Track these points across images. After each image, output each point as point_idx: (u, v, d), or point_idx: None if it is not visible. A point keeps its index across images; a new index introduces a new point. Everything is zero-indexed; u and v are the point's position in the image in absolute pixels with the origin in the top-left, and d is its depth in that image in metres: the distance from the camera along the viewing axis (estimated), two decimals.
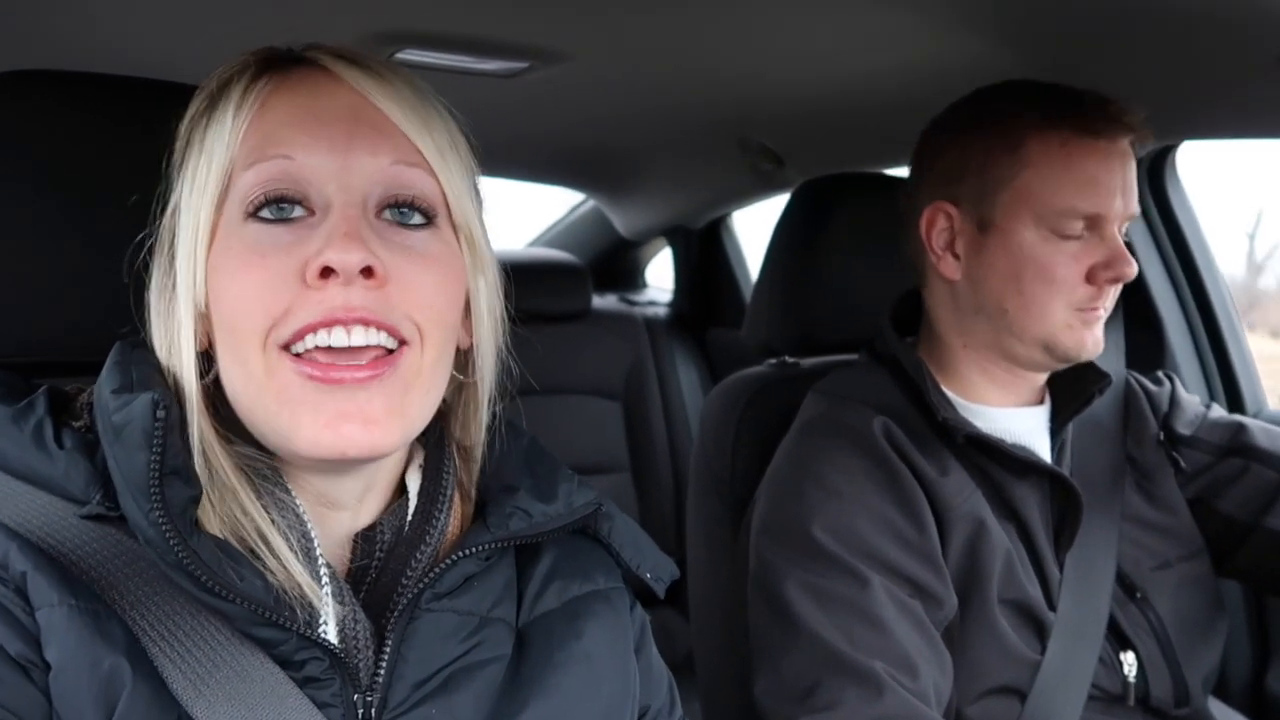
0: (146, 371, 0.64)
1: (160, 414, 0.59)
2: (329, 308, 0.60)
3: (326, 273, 0.60)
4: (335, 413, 0.61)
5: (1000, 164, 1.06)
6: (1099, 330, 1.07)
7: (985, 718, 1.05)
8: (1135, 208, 1.07)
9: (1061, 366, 1.11)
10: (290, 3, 1.20)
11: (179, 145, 0.68)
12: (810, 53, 1.36)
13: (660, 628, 0.84)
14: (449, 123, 0.69)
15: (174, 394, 0.64)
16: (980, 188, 1.07)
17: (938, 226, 1.11)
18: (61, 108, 0.77)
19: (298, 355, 0.61)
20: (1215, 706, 1.19)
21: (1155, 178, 1.53)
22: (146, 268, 0.68)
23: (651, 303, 2.66)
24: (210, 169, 0.64)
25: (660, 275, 2.93)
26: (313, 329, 0.60)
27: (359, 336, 0.61)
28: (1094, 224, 1.04)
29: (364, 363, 0.61)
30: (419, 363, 0.64)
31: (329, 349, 0.61)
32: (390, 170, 0.65)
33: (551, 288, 2.33)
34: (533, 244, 2.85)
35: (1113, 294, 1.06)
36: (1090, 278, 1.04)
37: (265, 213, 0.63)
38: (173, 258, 0.66)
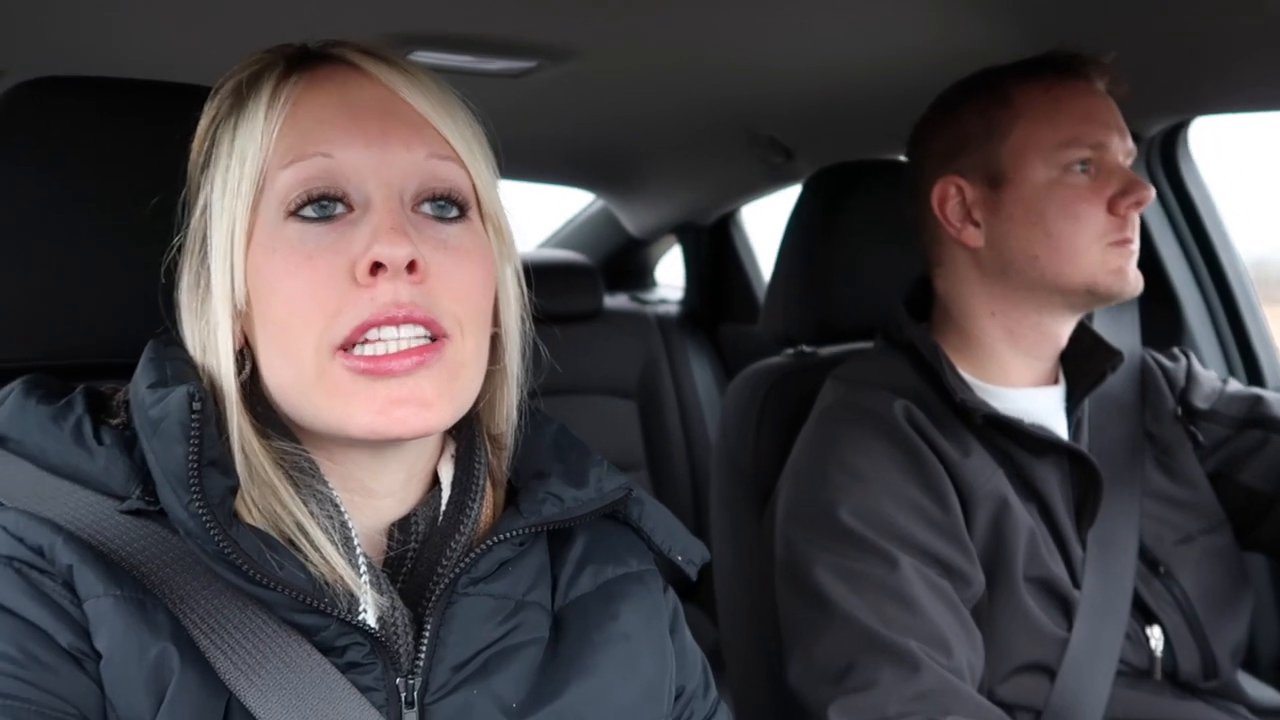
0: (180, 367, 0.65)
1: (196, 406, 0.60)
2: (381, 305, 0.61)
3: (376, 269, 0.61)
4: (388, 399, 0.62)
5: (996, 121, 1.09)
6: (1134, 264, 1.08)
7: (1015, 697, 1.05)
8: (1131, 145, 1.10)
9: (1104, 305, 1.13)
10: (301, 8, 1.22)
11: (203, 145, 0.69)
12: (818, 42, 1.37)
13: None
14: (470, 115, 0.71)
15: (210, 391, 0.65)
16: (984, 149, 1.10)
17: (950, 200, 1.13)
18: (86, 113, 0.79)
19: (347, 350, 0.62)
20: (1245, 681, 1.19)
21: (1168, 154, 1.52)
22: (175, 268, 0.69)
23: (663, 301, 2.67)
24: (244, 169, 0.65)
25: (669, 274, 2.94)
26: (368, 327, 0.61)
27: (408, 332, 0.62)
28: (1099, 158, 1.07)
29: (412, 347, 0.62)
30: (462, 353, 0.65)
31: (379, 340, 0.62)
32: (425, 164, 0.66)
33: (563, 288, 2.34)
34: (543, 245, 2.86)
35: (1136, 225, 1.07)
36: (1112, 208, 1.06)
37: (307, 211, 0.63)
38: (204, 257, 0.66)
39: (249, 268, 0.64)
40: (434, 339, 0.63)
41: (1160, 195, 1.53)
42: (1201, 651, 1.13)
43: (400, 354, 0.62)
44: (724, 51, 1.42)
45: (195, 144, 0.69)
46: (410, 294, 0.62)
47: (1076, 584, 1.09)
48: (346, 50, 0.68)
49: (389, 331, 0.62)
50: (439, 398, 0.63)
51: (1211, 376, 1.28)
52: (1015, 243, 1.08)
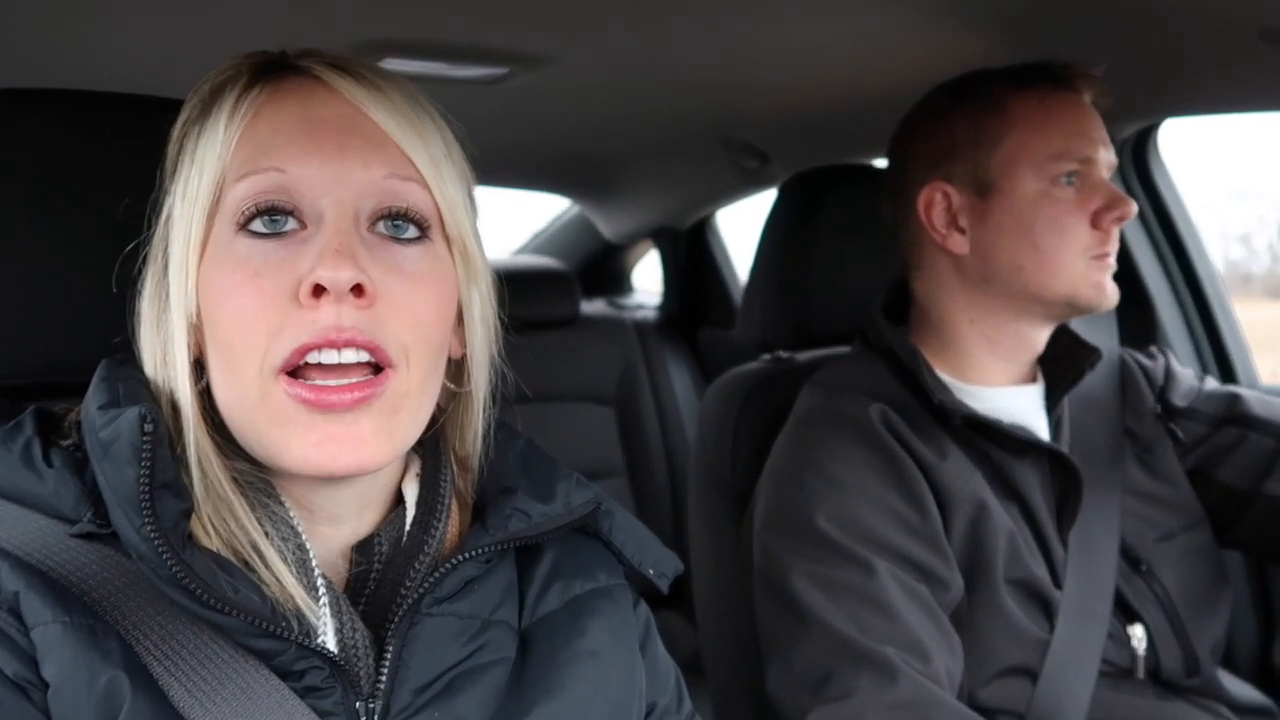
0: (133, 386, 0.63)
1: (148, 427, 0.58)
2: (321, 328, 0.60)
3: (319, 291, 0.60)
4: (324, 434, 0.61)
5: (988, 129, 1.09)
6: (1111, 277, 1.09)
7: (998, 700, 1.05)
8: (1114, 158, 1.11)
9: (1081, 316, 1.14)
10: (270, 18, 1.20)
11: (172, 150, 0.67)
12: (793, 49, 1.36)
13: (663, 630, 0.83)
14: (444, 131, 0.69)
15: (168, 405, 0.64)
16: (973, 157, 1.09)
17: (936, 206, 1.12)
18: (48, 126, 0.76)
19: (291, 375, 0.61)
20: (1225, 679, 1.19)
21: (1139, 156, 1.53)
22: (139, 276, 0.67)
23: (640, 306, 2.66)
24: (202, 179, 0.63)
25: (645, 279, 2.93)
26: (307, 350, 0.60)
27: (349, 355, 0.61)
28: (1085, 171, 1.07)
29: (352, 381, 0.61)
30: (406, 384, 0.63)
31: (319, 365, 0.60)
32: (383, 183, 0.64)
33: (539, 295, 2.32)
34: (519, 251, 2.85)
35: (1116, 240, 1.08)
36: (1095, 222, 1.06)
37: (256, 225, 0.62)
38: (166, 266, 0.65)
39: (201, 281, 0.63)
40: (378, 369, 0.62)
41: (1132, 196, 1.54)
42: (1183, 649, 1.13)
43: (342, 389, 0.60)
44: (697, 57, 1.42)
45: (169, 145, 0.68)
46: (354, 318, 0.60)
47: (1058, 584, 1.09)
48: (314, 63, 0.66)
49: (329, 354, 0.60)
50: (376, 435, 0.62)
51: (1189, 375, 1.28)
52: (1001, 253, 1.08)
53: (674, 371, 2.47)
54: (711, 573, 1.33)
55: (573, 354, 2.34)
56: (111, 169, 0.75)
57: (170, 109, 0.70)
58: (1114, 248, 1.08)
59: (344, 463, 0.61)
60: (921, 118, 1.16)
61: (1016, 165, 1.07)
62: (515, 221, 2.90)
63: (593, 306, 2.56)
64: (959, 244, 1.11)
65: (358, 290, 0.60)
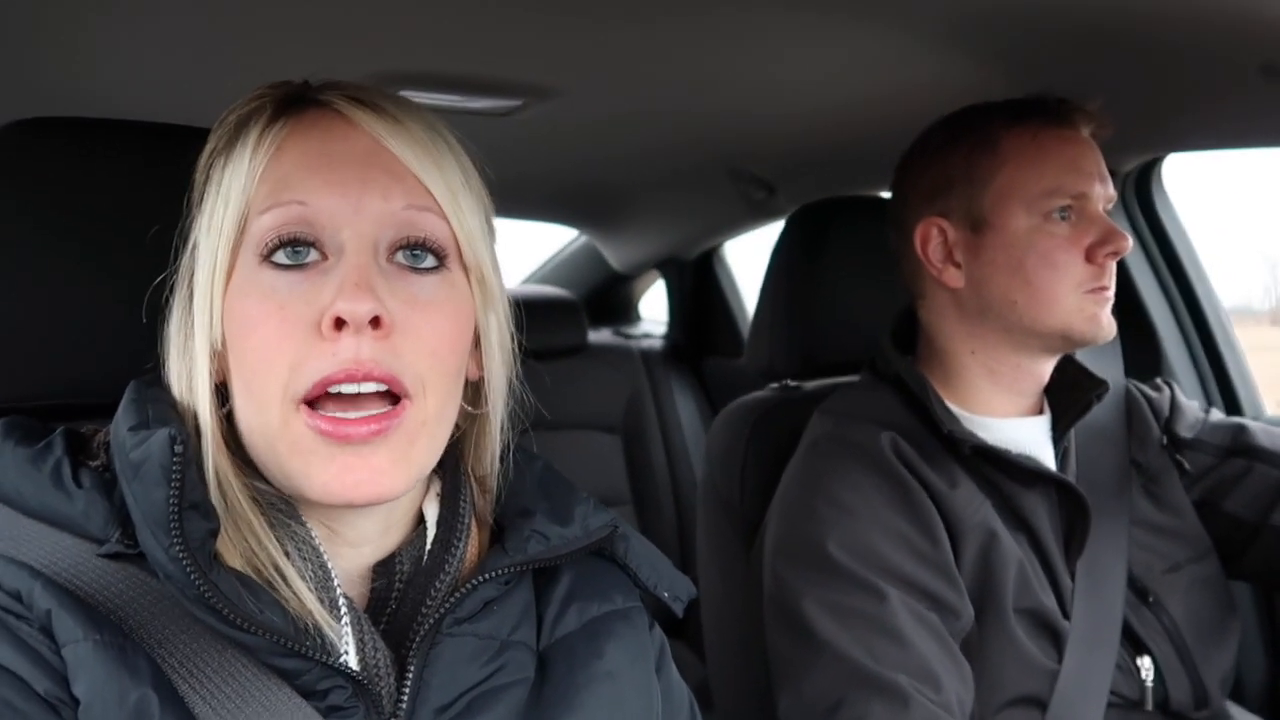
0: (162, 409, 0.64)
1: (178, 449, 0.59)
2: (341, 361, 0.61)
3: (339, 323, 0.61)
4: (343, 466, 0.62)
5: (981, 165, 1.10)
6: (1109, 311, 1.09)
7: None
8: (1112, 191, 1.11)
9: (1078, 349, 1.14)
10: (290, 51, 1.23)
11: (199, 179, 0.69)
12: (800, 82, 1.39)
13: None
14: (462, 160, 0.70)
15: (192, 427, 0.65)
16: (967, 193, 1.11)
17: (932, 241, 1.14)
18: (74, 153, 0.78)
19: (311, 405, 0.62)
20: (1233, 710, 1.19)
21: (1143, 190, 1.55)
22: (167, 303, 0.69)
23: (647, 336, 2.67)
24: (227, 210, 0.65)
25: (653, 309, 2.95)
26: (328, 383, 0.61)
27: (368, 386, 0.62)
28: (1080, 206, 1.08)
29: (369, 414, 0.62)
30: (423, 414, 0.65)
31: (339, 395, 0.62)
32: (402, 214, 0.65)
33: (547, 324, 2.34)
34: (526, 281, 2.87)
35: (1112, 273, 1.09)
36: (1090, 256, 1.07)
37: (279, 256, 0.64)
38: (191, 294, 0.67)
39: (225, 310, 0.65)
40: (395, 399, 0.63)
41: (1136, 230, 1.56)
42: (1192, 681, 1.12)
43: (359, 421, 0.62)
44: (705, 90, 1.44)
45: (196, 175, 0.70)
46: (373, 350, 0.62)
47: (1066, 615, 1.09)
48: (335, 96, 0.68)
49: (348, 386, 0.62)
50: (393, 465, 0.63)
51: (1194, 406, 1.29)
52: (995, 288, 1.10)
53: (680, 400, 2.48)
54: (720, 601, 1.33)
55: (580, 383, 2.35)
56: (136, 196, 0.77)
57: (195, 137, 0.72)
58: (1111, 281, 1.09)
59: (364, 493, 0.62)
60: (919, 153, 1.18)
61: (1008, 201, 1.08)
62: (523, 251, 2.92)
63: (600, 336, 2.57)
64: (954, 278, 1.13)
65: (375, 322, 0.61)
